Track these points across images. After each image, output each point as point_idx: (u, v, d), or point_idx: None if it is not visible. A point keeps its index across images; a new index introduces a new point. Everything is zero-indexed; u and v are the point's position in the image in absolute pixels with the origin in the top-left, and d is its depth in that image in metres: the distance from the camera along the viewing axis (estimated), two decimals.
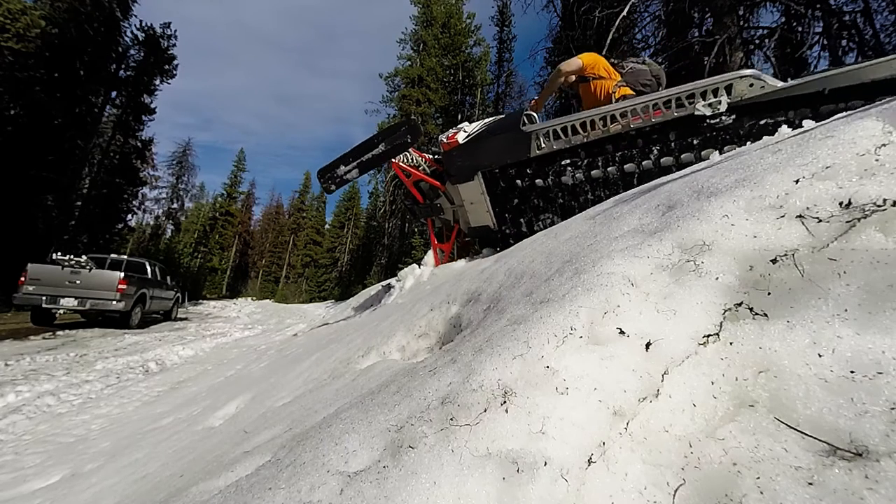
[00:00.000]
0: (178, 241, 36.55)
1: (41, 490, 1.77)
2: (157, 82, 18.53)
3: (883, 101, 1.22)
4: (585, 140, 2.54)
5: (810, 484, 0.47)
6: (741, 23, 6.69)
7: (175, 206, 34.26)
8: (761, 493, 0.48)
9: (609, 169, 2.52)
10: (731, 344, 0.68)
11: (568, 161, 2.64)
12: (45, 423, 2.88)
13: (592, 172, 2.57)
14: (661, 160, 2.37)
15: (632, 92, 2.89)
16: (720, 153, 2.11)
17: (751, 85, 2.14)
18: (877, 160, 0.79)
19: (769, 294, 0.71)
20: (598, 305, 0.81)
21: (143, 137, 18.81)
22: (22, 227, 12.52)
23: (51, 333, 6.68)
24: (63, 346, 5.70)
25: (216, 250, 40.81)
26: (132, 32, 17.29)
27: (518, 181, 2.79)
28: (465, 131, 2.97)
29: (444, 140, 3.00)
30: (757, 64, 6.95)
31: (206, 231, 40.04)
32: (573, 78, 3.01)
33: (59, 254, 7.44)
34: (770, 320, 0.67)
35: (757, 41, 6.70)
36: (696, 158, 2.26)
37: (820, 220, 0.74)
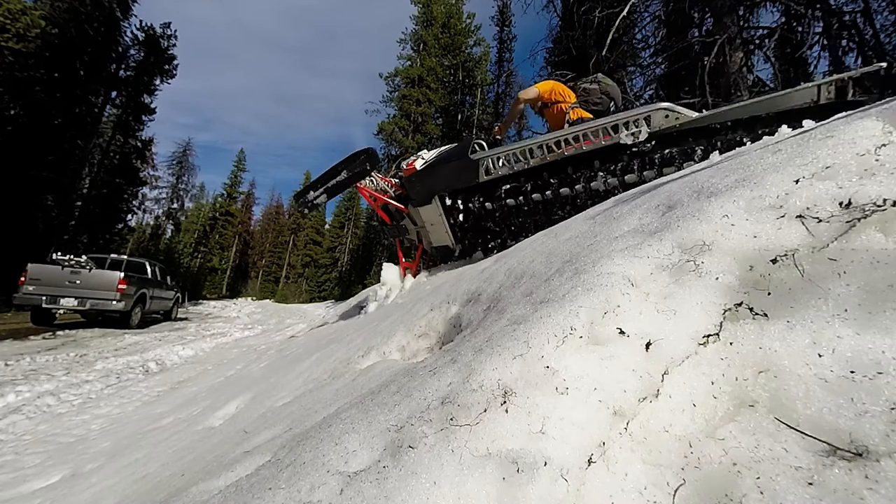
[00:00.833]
0: (178, 241, 36.54)
1: (41, 490, 1.77)
2: (157, 82, 18.52)
3: (883, 101, 1.22)
4: (526, 167, 2.76)
5: (810, 484, 0.47)
6: (741, 23, 6.68)
7: (175, 206, 34.26)
8: (761, 493, 0.48)
9: (548, 193, 2.75)
10: (731, 344, 0.68)
11: (512, 185, 2.87)
12: (45, 423, 2.88)
13: (534, 196, 2.80)
14: (592, 184, 2.60)
15: (586, 113, 3.10)
16: (639, 176, 2.47)
17: (666, 116, 2.37)
18: (877, 160, 0.79)
19: (769, 294, 0.71)
20: (598, 305, 0.81)
21: (143, 137, 18.81)
22: (22, 227, 12.52)
23: (51, 333, 6.68)
24: (63, 346, 5.70)
25: (216, 250, 40.81)
26: (132, 32, 17.29)
27: (470, 204, 3.02)
28: (422, 158, 3.25)
29: (405, 166, 3.28)
30: (757, 64, 6.96)
31: (206, 231, 40.04)
32: (530, 104, 3.28)
33: (59, 254, 7.44)
34: (770, 320, 0.67)
35: (757, 41, 6.70)
36: (621, 182, 2.50)
37: (820, 220, 0.74)
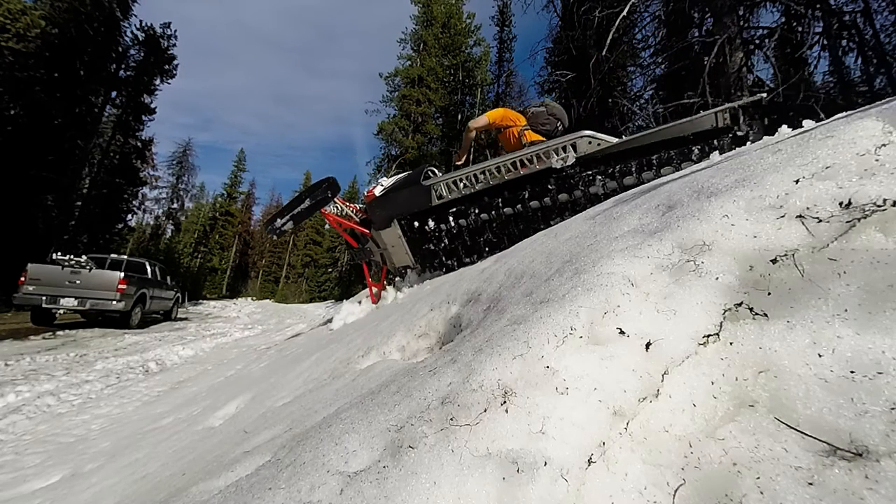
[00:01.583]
0: (178, 241, 36.54)
1: (41, 490, 1.77)
2: (157, 82, 18.52)
3: (883, 101, 1.22)
4: (472, 191, 3.02)
5: (810, 484, 0.47)
6: (741, 23, 6.68)
7: (175, 206, 34.25)
8: (761, 493, 0.48)
9: (492, 213, 3.00)
10: (731, 344, 0.68)
11: (461, 208, 3.11)
12: (45, 423, 2.88)
13: (481, 216, 3.04)
14: (530, 203, 2.86)
15: (536, 135, 3.33)
16: (570, 196, 2.74)
17: (589, 143, 2.66)
18: (877, 160, 0.79)
19: (769, 294, 0.71)
20: (598, 305, 0.81)
21: (143, 137, 18.81)
22: (22, 227, 12.52)
23: (51, 333, 6.69)
24: (63, 346, 5.70)
25: (216, 250, 40.81)
26: (132, 32, 17.29)
27: (426, 227, 3.24)
28: (381, 185, 3.48)
29: (366, 193, 3.53)
30: (757, 64, 6.96)
31: (206, 231, 40.04)
32: (483, 131, 3.54)
33: (59, 254, 7.43)
34: (770, 320, 0.67)
35: (757, 41, 6.70)
36: (552, 202, 2.79)
37: (820, 220, 0.74)
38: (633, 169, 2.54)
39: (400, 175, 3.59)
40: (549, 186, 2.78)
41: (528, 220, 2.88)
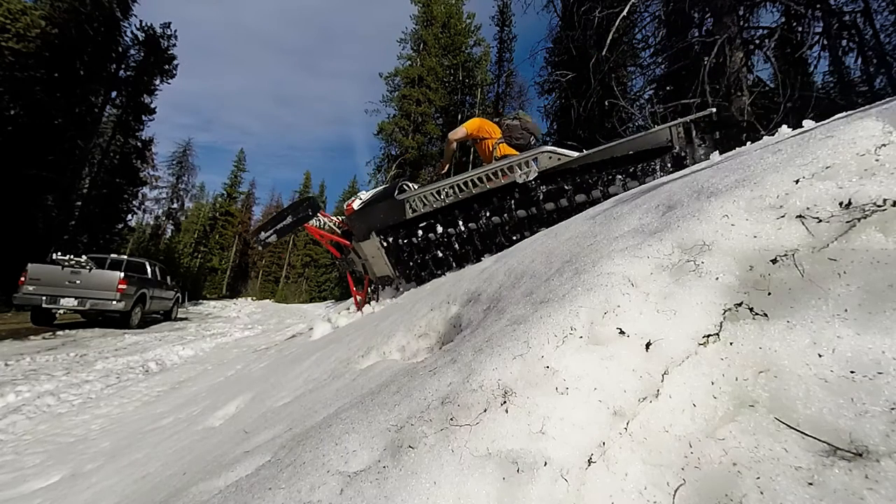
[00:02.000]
0: (178, 241, 36.53)
1: (41, 490, 1.77)
2: (157, 82, 18.52)
3: (883, 101, 1.22)
4: (444, 205, 3.12)
5: (810, 484, 0.47)
6: (741, 23, 6.68)
7: (175, 206, 34.24)
8: (761, 493, 0.48)
9: (462, 227, 3.09)
10: (731, 344, 0.68)
11: (432, 221, 3.22)
12: (45, 423, 2.88)
13: (448, 230, 3.15)
14: (493, 219, 2.97)
15: (510, 148, 3.43)
16: (536, 210, 2.80)
17: (549, 157, 2.79)
18: (877, 160, 0.79)
19: (769, 294, 0.71)
20: (598, 305, 0.81)
21: (143, 137, 18.81)
22: (22, 227, 12.52)
23: (51, 333, 6.69)
24: (63, 346, 5.70)
25: (216, 250, 40.80)
26: (132, 32, 17.29)
27: (402, 239, 3.35)
28: (360, 199, 3.64)
29: (346, 207, 3.68)
30: (757, 64, 6.96)
31: (206, 231, 40.04)
32: (462, 142, 3.66)
33: (59, 254, 7.44)
34: (770, 320, 0.67)
35: (757, 41, 6.69)
36: (515, 215, 2.91)
37: (820, 220, 0.74)
38: (598, 182, 2.64)
39: (377, 189, 3.74)
40: (514, 200, 2.90)
41: (497, 232, 2.98)
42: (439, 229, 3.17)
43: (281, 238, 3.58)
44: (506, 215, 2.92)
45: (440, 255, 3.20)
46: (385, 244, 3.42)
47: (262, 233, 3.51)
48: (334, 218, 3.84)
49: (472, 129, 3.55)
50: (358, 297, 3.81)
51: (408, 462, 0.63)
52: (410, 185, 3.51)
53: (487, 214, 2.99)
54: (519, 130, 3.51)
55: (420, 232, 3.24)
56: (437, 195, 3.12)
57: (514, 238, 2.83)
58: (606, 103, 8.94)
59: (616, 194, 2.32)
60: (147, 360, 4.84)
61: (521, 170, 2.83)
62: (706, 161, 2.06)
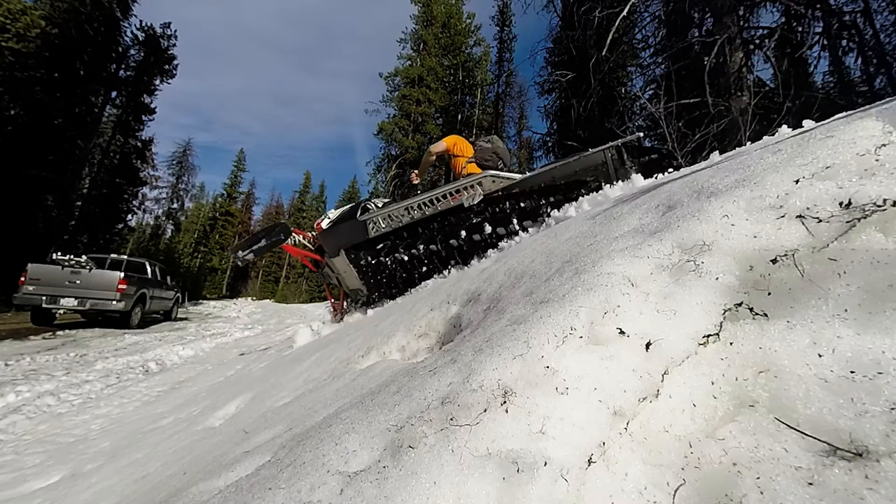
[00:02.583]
0: (178, 241, 36.52)
1: (41, 490, 1.77)
2: (157, 82, 18.51)
3: (883, 101, 1.22)
4: (400, 225, 3.25)
5: (810, 484, 0.47)
6: (741, 23, 6.68)
7: (175, 206, 34.22)
8: (761, 493, 0.48)
9: (420, 246, 3.23)
10: (731, 344, 0.68)
11: (393, 240, 3.36)
12: (45, 423, 2.88)
13: (408, 249, 3.28)
14: (450, 241, 3.11)
15: (478, 169, 3.55)
16: (485, 234, 2.94)
17: (493, 181, 2.92)
18: (877, 160, 0.79)
19: (769, 294, 0.71)
20: (598, 305, 0.81)
21: (144, 137, 18.80)
22: (22, 227, 12.52)
23: (51, 333, 6.69)
24: (63, 346, 5.70)
25: (216, 250, 40.78)
26: (132, 32, 17.28)
27: (368, 256, 3.50)
28: (329, 218, 3.80)
29: (315, 225, 3.86)
30: (757, 64, 6.95)
31: (206, 231, 40.02)
32: (440, 155, 3.84)
33: (59, 254, 7.44)
34: (770, 320, 0.67)
35: (757, 41, 6.69)
36: (467, 236, 3.03)
37: (820, 220, 0.74)
38: (534, 200, 2.83)
39: (344, 208, 3.93)
40: (462, 222, 3.06)
41: (453, 252, 3.13)
42: (400, 248, 3.33)
43: (257, 257, 3.81)
44: (458, 236, 3.07)
45: (404, 272, 3.34)
46: (352, 261, 3.60)
47: (241, 251, 3.73)
48: (309, 234, 4.05)
49: (450, 144, 3.75)
50: (335, 308, 4.08)
51: (408, 462, 0.63)
52: (375, 203, 3.65)
53: (441, 235, 3.14)
54: (489, 153, 3.66)
55: (382, 250, 3.40)
56: (393, 217, 3.27)
57: (470, 258, 2.96)
58: (606, 103, 8.95)
59: (559, 213, 2.48)
60: (147, 360, 4.84)
61: (467, 192, 2.99)
62: (625, 184, 2.27)
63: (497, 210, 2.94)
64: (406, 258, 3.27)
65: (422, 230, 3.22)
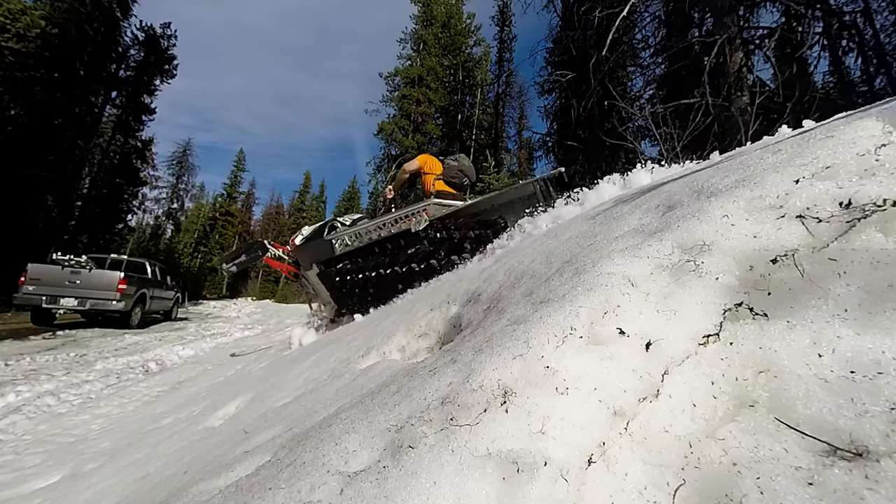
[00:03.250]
0: (178, 241, 36.53)
1: (41, 490, 1.77)
2: (157, 82, 18.52)
3: (883, 101, 1.23)
4: (361, 245, 3.51)
5: (810, 484, 0.47)
6: (741, 23, 6.68)
7: (175, 206, 34.24)
8: (761, 493, 0.48)
9: (380, 266, 3.40)
10: (731, 344, 0.68)
11: (354, 259, 3.57)
12: (45, 423, 2.88)
13: (369, 268, 3.47)
14: (403, 262, 3.28)
15: (445, 186, 3.78)
16: (432, 256, 3.11)
17: (437, 207, 3.19)
18: (877, 160, 0.79)
19: (769, 294, 0.71)
20: (598, 305, 0.81)
21: (144, 137, 18.80)
22: (22, 227, 12.52)
23: (51, 333, 6.69)
24: (63, 346, 5.70)
25: (216, 250, 40.74)
26: (132, 32, 17.28)
27: (334, 272, 3.68)
28: (302, 234, 4.00)
29: (290, 241, 4.09)
30: (757, 64, 6.96)
31: (206, 231, 40.01)
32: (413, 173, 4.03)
33: (59, 254, 7.44)
34: (770, 320, 0.67)
35: (757, 41, 6.69)
36: (415, 257, 3.22)
37: (820, 220, 0.74)
38: (477, 224, 3.07)
39: (315, 226, 4.18)
40: (411, 244, 3.28)
41: (411, 272, 3.27)
42: (361, 266, 3.54)
43: (239, 269, 4.23)
44: (409, 258, 3.29)
45: (369, 288, 3.50)
46: (321, 275, 3.83)
47: (226, 263, 4.12)
48: (287, 248, 4.30)
49: (422, 163, 3.94)
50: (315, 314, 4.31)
51: (408, 462, 0.63)
52: (343, 221, 3.88)
53: (395, 256, 3.37)
54: (455, 171, 3.84)
55: (345, 267, 3.61)
56: (355, 237, 3.52)
57: (424, 278, 3.09)
58: (606, 103, 8.94)
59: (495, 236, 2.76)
60: (147, 360, 4.84)
61: (415, 218, 3.24)
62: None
63: (442, 234, 3.18)
64: (370, 275, 3.46)
65: (379, 250, 3.46)
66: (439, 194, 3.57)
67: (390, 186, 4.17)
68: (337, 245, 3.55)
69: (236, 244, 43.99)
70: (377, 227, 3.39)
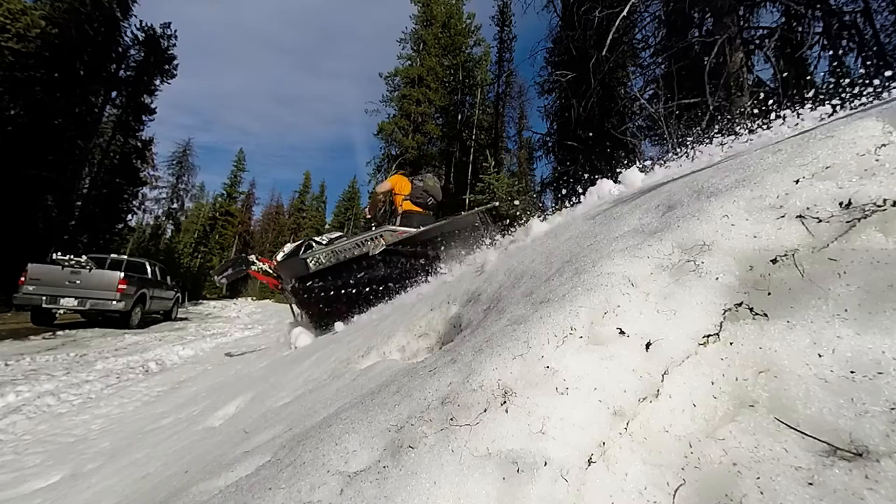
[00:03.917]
0: (178, 241, 36.51)
1: (41, 490, 1.77)
2: (157, 82, 18.50)
3: (884, 101, 1.23)
4: (328, 265, 3.77)
5: (810, 484, 0.47)
6: (741, 23, 6.67)
7: (175, 206, 34.20)
8: (761, 493, 0.48)
9: (346, 284, 3.71)
10: (731, 344, 0.68)
11: (323, 277, 3.83)
12: (45, 423, 2.87)
13: (338, 286, 3.75)
14: (363, 282, 3.63)
15: (413, 206, 4.05)
16: (387, 278, 3.46)
17: (392, 234, 3.50)
18: (877, 160, 0.79)
19: (769, 294, 0.71)
20: (598, 305, 0.81)
21: (144, 137, 18.77)
22: (22, 227, 12.51)
23: (51, 333, 6.68)
24: (63, 346, 5.70)
25: (216, 250, 40.72)
26: (132, 32, 17.26)
27: (308, 288, 3.96)
28: (283, 252, 4.29)
29: (273, 258, 4.41)
30: (757, 64, 6.95)
31: (206, 231, 39.99)
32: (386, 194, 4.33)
33: (59, 254, 7.43)
34: (770, 320, 0.67)
35: (757, 41, 6.69)
36: (374, 278, 3.57)
37: (820, 220, 0.74)
38: (427, 248, 3.40)
39: (297, 243, 4.45)
40: (370, 266, 3.58)
41: (374, 291, 3.59)
42: (329, 284, 3.82)
43: (228, 282, 4.59)
44: (370, 278, 3.62)
45: (335, 305, 3.78)
46: (295, 290, 4.07)
47: (217, 276, 4.45)
48: (272, 262, 4.55)
49: (393, 184, 4.22)
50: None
51: (408, 462, 0.63)
52: (319, 240, 4.14)
53: (357, 276, 3.67)
54: (420, 192, 4.08)
55: (318, 285, 3.88)
56: (325, 257, 3.78)
57: (382, 297, 3.38)
58: (606, 103, 8.95)
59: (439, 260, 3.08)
60: (147, 360, 4.84)
61: (373, 243, 3.55)
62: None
63: (396, 258, 3.54)
64: (336, 293, 3.78)
65: (344, 271, 3.76)
66: (406, 214, 3.94)
67: (367, 208, 4.55)
68: (311, 263, 3.84)
69: (236, 245, 44.06)
70: (343, 249, 3.73)
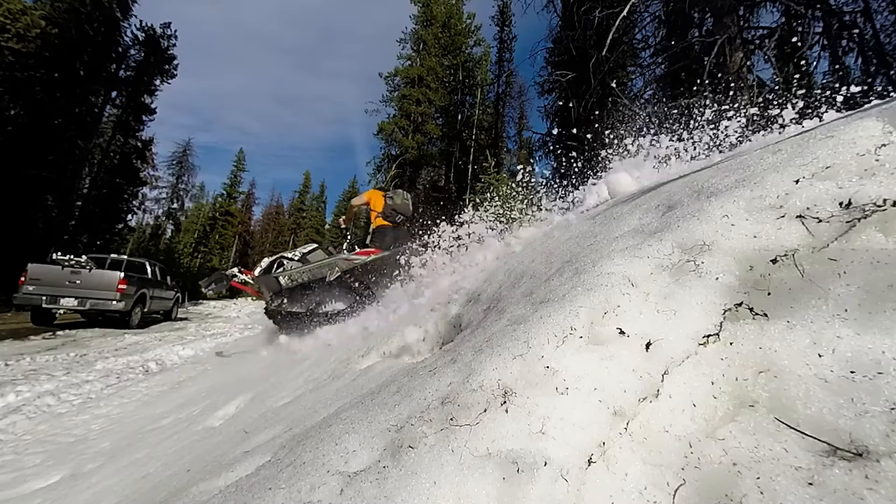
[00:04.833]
0: (178, 241, 36.49)
1: (41, 490, 1.77)
2: (158, 82, 18.49)
3: (883, 101, 1.23)
4: (298, 283, 4.00)
5: (810, 484, 0.47)
6: (741, 23, 6.67)
7: (175, 206, 34.19)
8: (761, 493, 0.48)
9: (310, 302, 4.01)
10: (731, 344, 0.68)
11: (293, 293, 4.09)
12: (45, 423, 2.87)
13: (305, 303, 4.03)
14: (324, 302, 3.98)
15: (385, 222, 4.28)
16: (339, 302, 3.86)
17: (345, 260, 3.85)
18: (877, 160, 0.79)
19: (769, 294, 0.71)
20: (598, 305, 0.81)
21: (144, 137, 18.76)
22: (22, 227, 12.51)
23: (51, 333, 6.68)
24: (63, 346, 5.69)
25: (216, 250, 40.70)
26: (132, 32, 17.25)
27: (280, 303, 4.20)
28: (260, 267, 4.53)
29: (252, 272, 4.68)
30: (757, 64, 6.95)
31: (206, 231, 39.97)
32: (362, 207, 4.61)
33: (59, 254, 7.43)
34: (770, 320, 0.67)
35: (757, 41, 6.69)
36: (332, 299, 3.99)
37: (820, 220, 0.74)
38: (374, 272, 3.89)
39: (270, 259, 4.69)
40: (329, 288, 3.92)
41: (324, 315, 3.85)
42: (297, 300, 4.08)
43: (215, 292, 4.96)
44: (329, 299, 3.96)
45: (308, 319, 4.02)
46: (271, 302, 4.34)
47: (204, 288, 4.68)
48: (249, 272, 4.76)
49: (369, 198, 4.42)
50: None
51: (408, 462, 0.63)
52: (291, 256, 4.37)
53: (318, 297, 3.97)
54: (389, 209, 4.28)
55: (285, 300, 4.12)
56: (291, 278, 4.04)
57: (339, 317, 3.65)
58: (609, 101, 8.94)
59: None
60: (147, 360, 4.84)
61: (329, 269, 3.85)
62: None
63: (349, 284, 3.92)
64: (299, 311, 4.03)
65: (307, 291, 4.05)
66: (379, 229, 4.23)
67: (343, 218, 4.76)
68: (282, 281, 4.11)
69: (236, 244, 44.04)
70: (308, 271, 4.04)
